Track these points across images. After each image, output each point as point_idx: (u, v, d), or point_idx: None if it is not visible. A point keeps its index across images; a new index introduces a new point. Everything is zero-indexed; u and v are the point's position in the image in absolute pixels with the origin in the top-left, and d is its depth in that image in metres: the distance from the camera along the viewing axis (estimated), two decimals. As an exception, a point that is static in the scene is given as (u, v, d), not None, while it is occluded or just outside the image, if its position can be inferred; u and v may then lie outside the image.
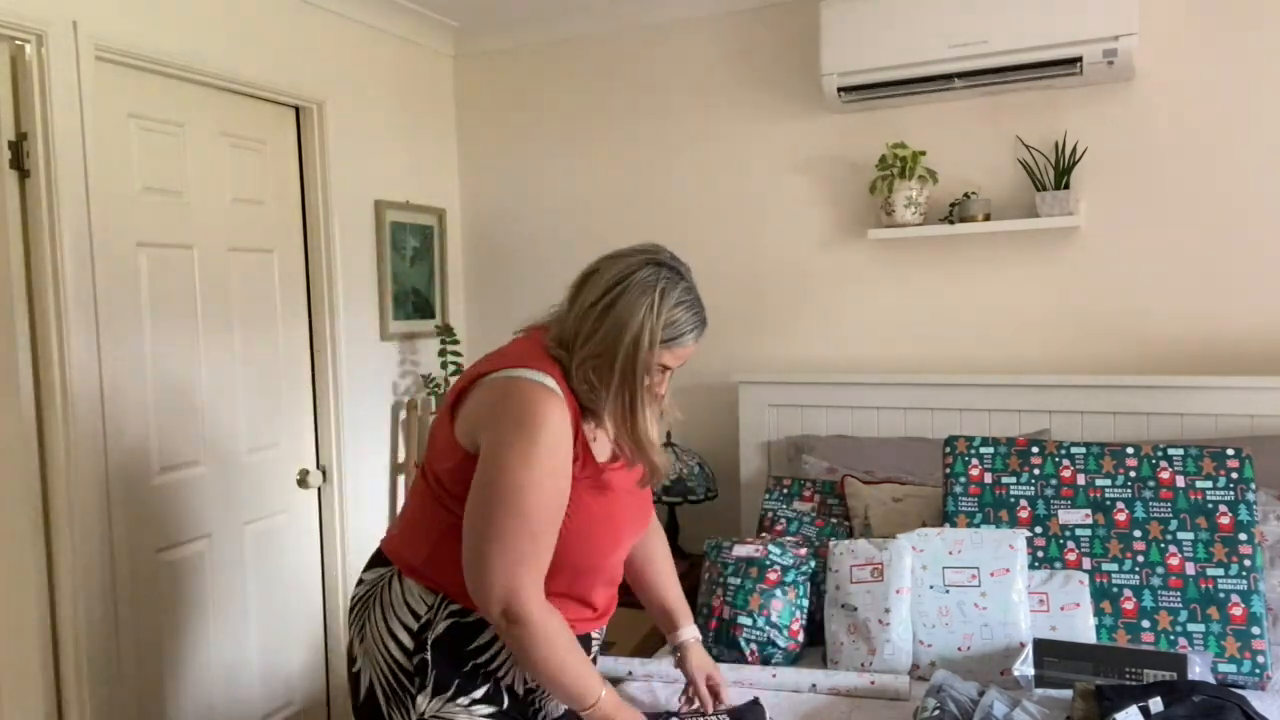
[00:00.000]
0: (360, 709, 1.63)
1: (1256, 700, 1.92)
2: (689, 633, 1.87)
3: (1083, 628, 2.14)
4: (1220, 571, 2.16)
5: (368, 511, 3.33)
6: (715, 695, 1.87)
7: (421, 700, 1.55)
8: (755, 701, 1.88)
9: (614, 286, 1.51)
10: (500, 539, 1.44)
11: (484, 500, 1.45)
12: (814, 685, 2.10)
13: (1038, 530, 2.32)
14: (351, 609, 1.68)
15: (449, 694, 1.55)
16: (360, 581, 1.68)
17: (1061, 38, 2.68)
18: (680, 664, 1.87)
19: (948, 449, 2.49)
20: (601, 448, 1.62)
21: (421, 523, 1.61)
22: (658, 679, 2.18)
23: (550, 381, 1.49)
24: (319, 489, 3.18)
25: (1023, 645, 2.09)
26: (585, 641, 1.67)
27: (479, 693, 1.57)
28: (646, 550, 1.86)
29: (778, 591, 2.35)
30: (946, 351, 3.12)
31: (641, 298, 1.49)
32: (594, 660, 1.72)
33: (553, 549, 1.49)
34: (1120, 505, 2.28)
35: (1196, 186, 2.80)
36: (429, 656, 1.55)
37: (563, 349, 1.54)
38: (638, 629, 2.99)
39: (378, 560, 1.68)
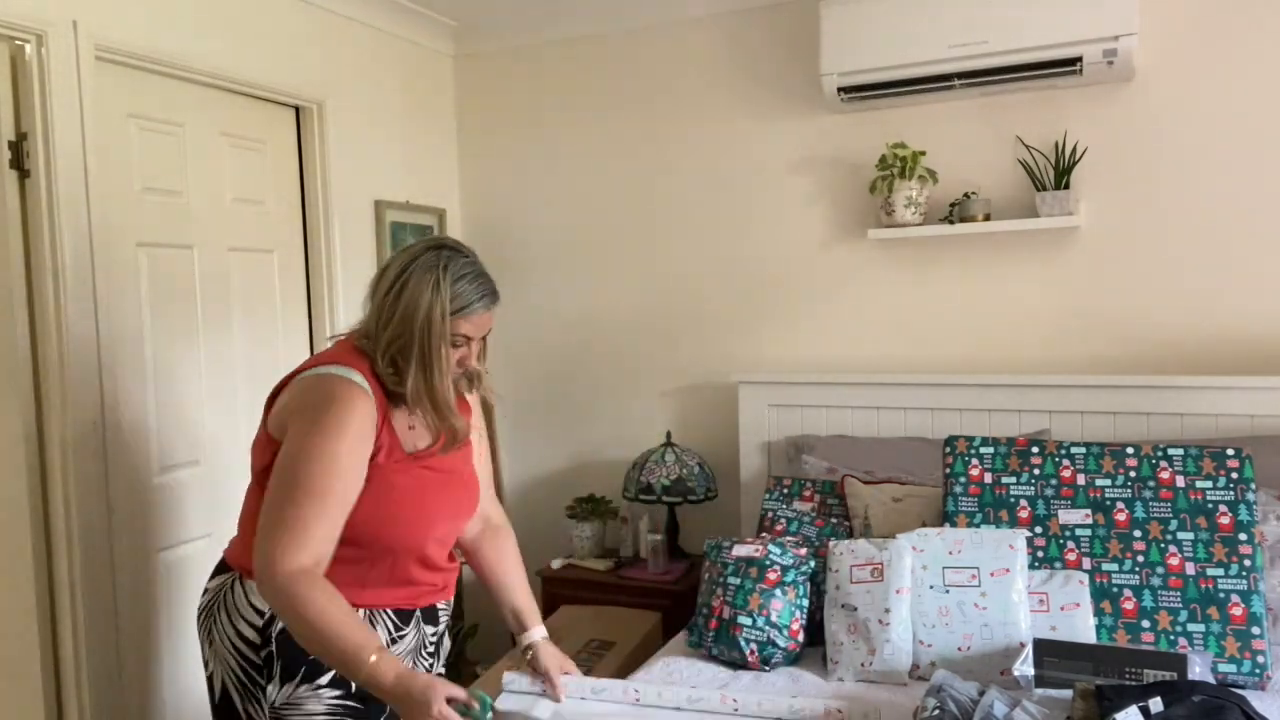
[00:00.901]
0: (217, 710, 1.71)
1: (1256, 700, 1.92)
2: (539, 633, 1.88)
3: (1083, 628, 2.14)
4: (1220, 571, 2.16)
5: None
6: None
7: (271, 690, 1.62)
8: None
9: (401, 273, 1.62)
10: (273, 510, 1.51)
11: (276, 478, 1.54)
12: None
13: (1038, 530, 2.32)
14: (199, 618, 1.74)
15: (297, 680, 1.62)
16: (205, 591, 1.75)
17: (1061, 38, 2.68)
18: (533, 662, 1.86)
19: (948, 449, 2.49)
20: (417, 437, 1.69)
21: (249, 521, 1.66)
22: (658, 680, 2.18)
23: (355, 375, 1.60)
24: (319, 489, 3.18)
25: (1023, 645, 2.09)
26: (431, 612, 1.78)
27: (325, 677, 1.63)
28: (496, 553, 1.92)
29: (778, 591, 2.35)
30: (946, 351, 3.12)
31: (426, 275, 1.61)
32: (454, 634, 1.79)
33: (330, 526, 1.52)
34: (1120, 505, 2.28)
35: (1196, 187, 2.80)
36: (274, 649, 1.62)
37: (367, 339, 1.65)
38: (638, 629, 2.99)
39: (220, 568, 1.75)
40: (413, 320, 1.60)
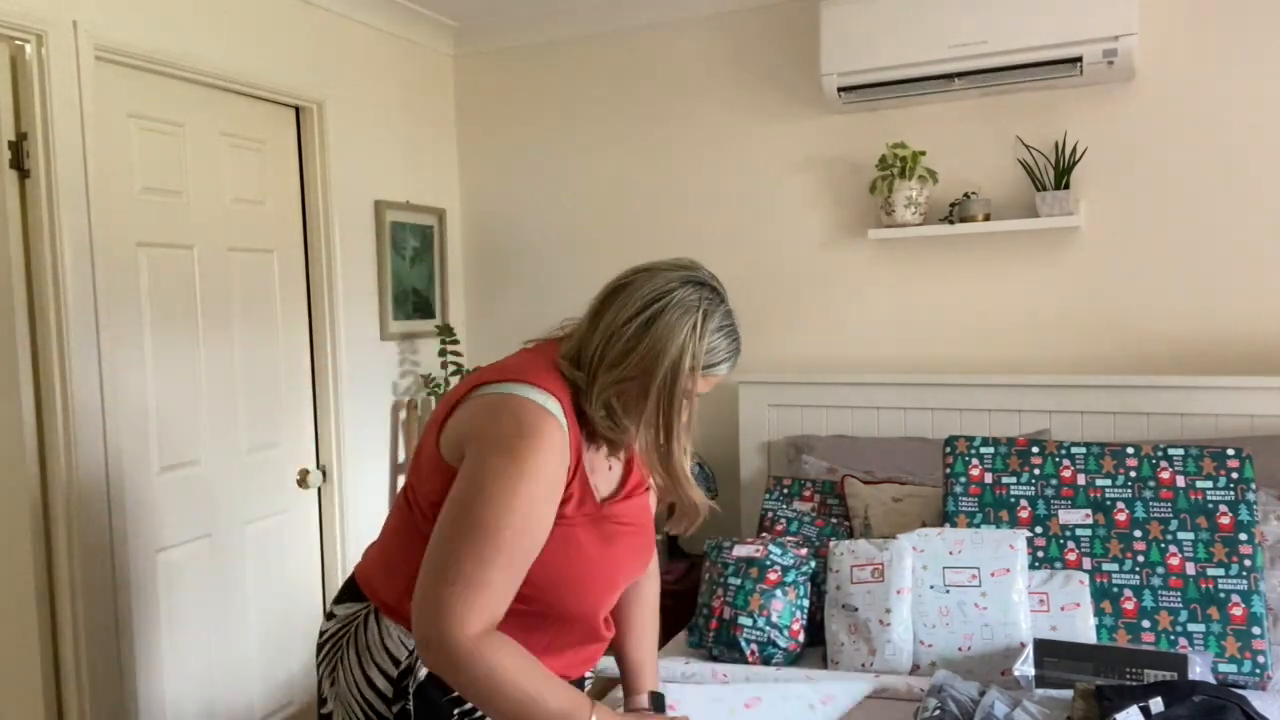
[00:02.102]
0: None
1: (1256, 700, 1.92)
2: (642, 701, 1.65)
3: (1083, 628, 2.14)
4: (1220, 571, 2.16)
5: (367, 512, 3.33)
6: None
7: None
8: None
9: (652, 304, 1.36)
10: (450, 560, 1.28)
11: (452, 521, 1.30)
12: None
13: (1038, 530, 2.32)
14: (321, 645, 1.53)
15: None
16: (331, 615, 1.54)
17: (1061, 38, 2.68)
18: None
19: (948, 449, 2.49)
20: (604, 480, 1.48)
21: (400, 552, 1.44)
22: (663, 680, 2.18)
23: (553, 404, 1.34)
24: (319, 489, 3.18)
25: (1023, 645, 2.09)
26: (580, 685, 1.54)
27: None
28: (635, 594, 1.67)
29: (778, 591, 2.35)
30: (947, 351, 3.12)
31: (684, 318, 1.34)
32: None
33: (510, 586, 1.32)
34: (1120, 505, 2.28)
35: (1196, 187, 2.80)
36: (411, 706, 1.41)
37: (579, 369, 1.39)
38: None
39: (351, 593, 1.52)
40: (655, 365, 1.33)
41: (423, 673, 1.41)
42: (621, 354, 1.35)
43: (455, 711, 1.42)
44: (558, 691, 1.30)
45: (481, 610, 1.27)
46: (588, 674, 1.56)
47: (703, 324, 1.35)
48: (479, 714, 1.43)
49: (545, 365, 1.41)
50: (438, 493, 1.37)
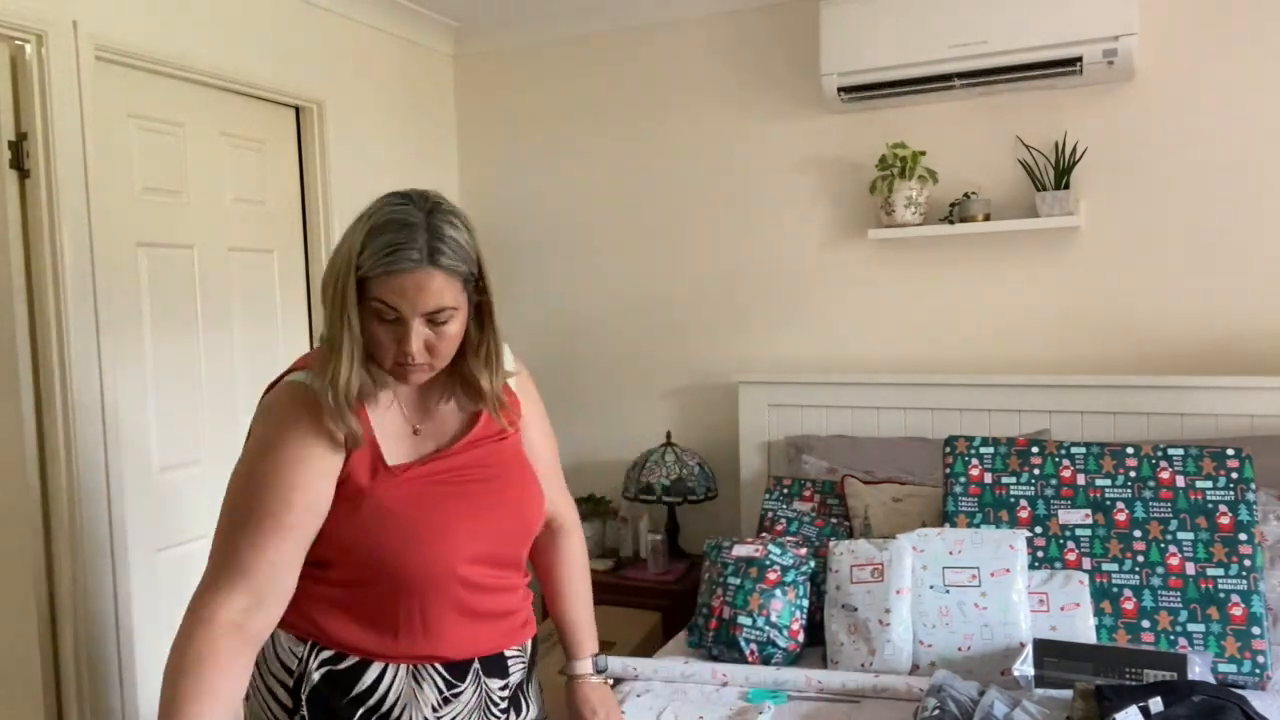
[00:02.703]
0: None
1: (1256, 700, 1.92)
2: (585, 665, 1.61)
3: (1083, 628, 2.14)
4: (1220, 571, 2.16)
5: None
6: None
7: None
8: None
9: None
10: (215, 543, 1.30)
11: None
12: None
13: (1038, 530, 2.32)
14: None
15: None
16: None
17: (1061, 38, 2.68)
18: (569, 700, 1.61)
19: (948, 449, 2.49)
20: (427, 438, 1.41)
21: None
22: (658, 679, 2.18)
23: (315, 380, 1.32)
24: (319, 489, 3.18)
25: (1023, 645, 2.09)
26: (496, 662, 1.45)
27: None
28: (556, 555, 1.63)
29: (778, 591, 2.35)
30: (946, 351, 3.13)
31: (357, 222, 1.33)
32: (525, 681, 1.52)
33: (284, 561, 1.28)
34: (1120, 505, 2.28)
35: (1196, 187, 2.80)
36: (306, 714, 1.37)
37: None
38: (638, 629, 2.99)
39: None
40: (326, 286, 1.31)
41: (315, 677, 1.37)
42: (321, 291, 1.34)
43: (358, 712, 1.37)
44: (187, 710, 1.21)
45: (228, 587, 1.26)
46: (509, 650, 1.47)
47: (369, 216, 1.32)
48: (382, 711, 1.38)
49: (319, 351, 1.36)
50: None
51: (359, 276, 1.28)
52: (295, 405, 1.32)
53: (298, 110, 3.09)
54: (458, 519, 1.38)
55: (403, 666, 1.38)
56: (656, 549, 3.24)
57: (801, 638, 2.34)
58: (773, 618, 2.32)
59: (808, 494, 2.83)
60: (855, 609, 2.24)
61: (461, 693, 1.41)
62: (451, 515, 1.38)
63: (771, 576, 2.37)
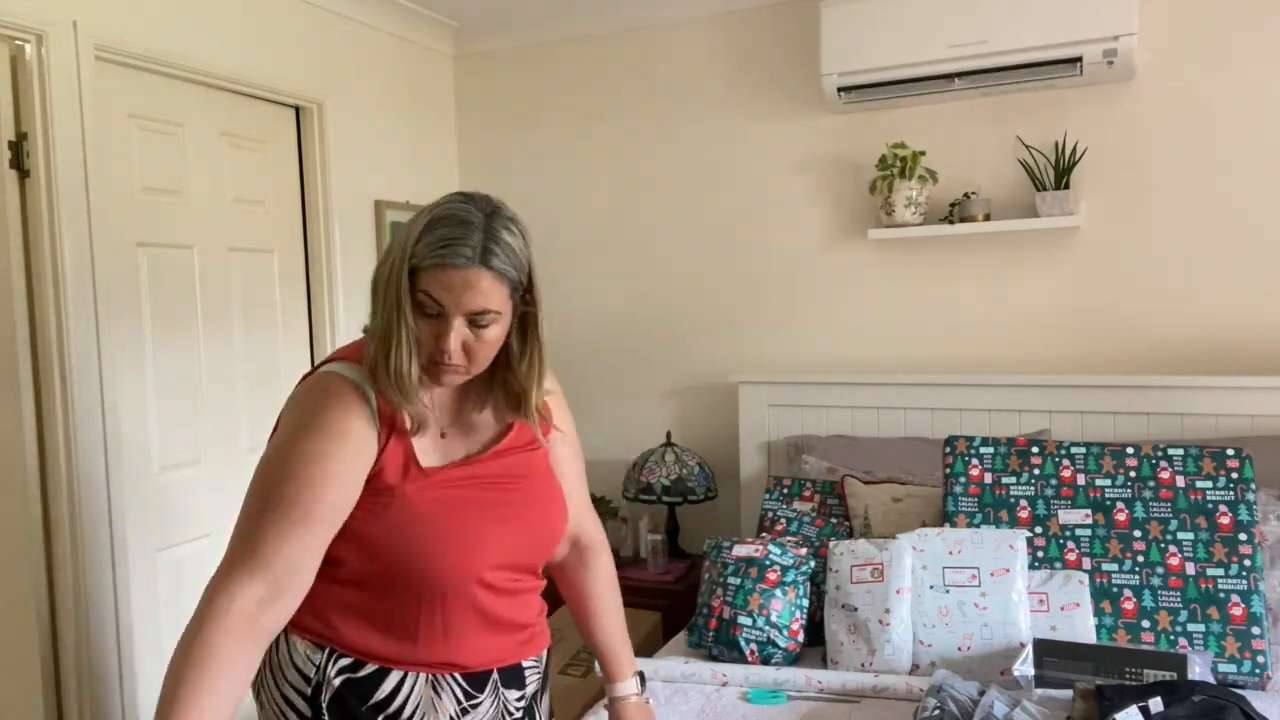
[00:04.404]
0: None
1: (1256, 700, 1.92)
2: (629, 687, 1.60)
3: (1083, 628, 2.14)
4: (1220, 571, 2.16)
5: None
6: None
7: None
8: None
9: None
10: (240, 525, 1.27)
11: (248, 489, 1.31)
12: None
13: (1038, 530, 2.32)
14: None
15: None
16: None
17: (1061, 38, 2.68)
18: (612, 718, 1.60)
19: (948, 449, 2.49)
20: (457, 444, 1.40)
21: None
22: (658, 679, 2.18)
23: (352, 371, 1.32)
24: (319, 489, 3.18)
25: (1023, 645, 2.09)
26: (514, 673, 1.44)
27: None
28: (586, 575, 1.62)
29: (778, 591, 2.35)
30: (946, 351, 3.12)
31: (409, 223, 1.30)
32: (541, 689, 1.51)
33: (307, 553, 1.26)
34: (1120, 505, 2.28)
35: (1196, 187, 2.80)
36: None
37: (369, 333, 1.34)
38: (638, 629, 2.99)
39: None
40: (380, 276, 1.30)
41: (335, 685, 1.35)
42: (371, 287, 1.32)
43: (379, 718, 1.35)
44: (194, 695, 1.20)
45: (247, 574, 1.23)
46: (526, 660, 1.47)
47: (424, 215, 1.29)
48: (403, 718, 1.37)
49: (357, 343, 1.37)
50: None
51: (410, 266, 1.26)
52: (331, 396, 1.30)
53: (298, 110, 3.09)
54: (486, 526, 1.37)
55: (421, 675, 1.37)
56: (656, 549, 3.24)
57: (801, 638, 2.34)
58: (773, 618, 2.32)
59: (808, 494, 2.83)
60: (855, 609, 2.24)
61: (480, 704, 1.40)
62: (480, 522, 1.37)
63: (771, 576, 2.37)
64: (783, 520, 2.78)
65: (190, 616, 1.24)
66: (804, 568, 2.40)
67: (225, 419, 2.83)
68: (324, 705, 1.34)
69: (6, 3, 2.18)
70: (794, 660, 2.34)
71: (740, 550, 2.45)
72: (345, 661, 1.36)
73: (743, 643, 2.31)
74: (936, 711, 1.80)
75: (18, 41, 2.25)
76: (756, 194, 3.34)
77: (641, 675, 1.64)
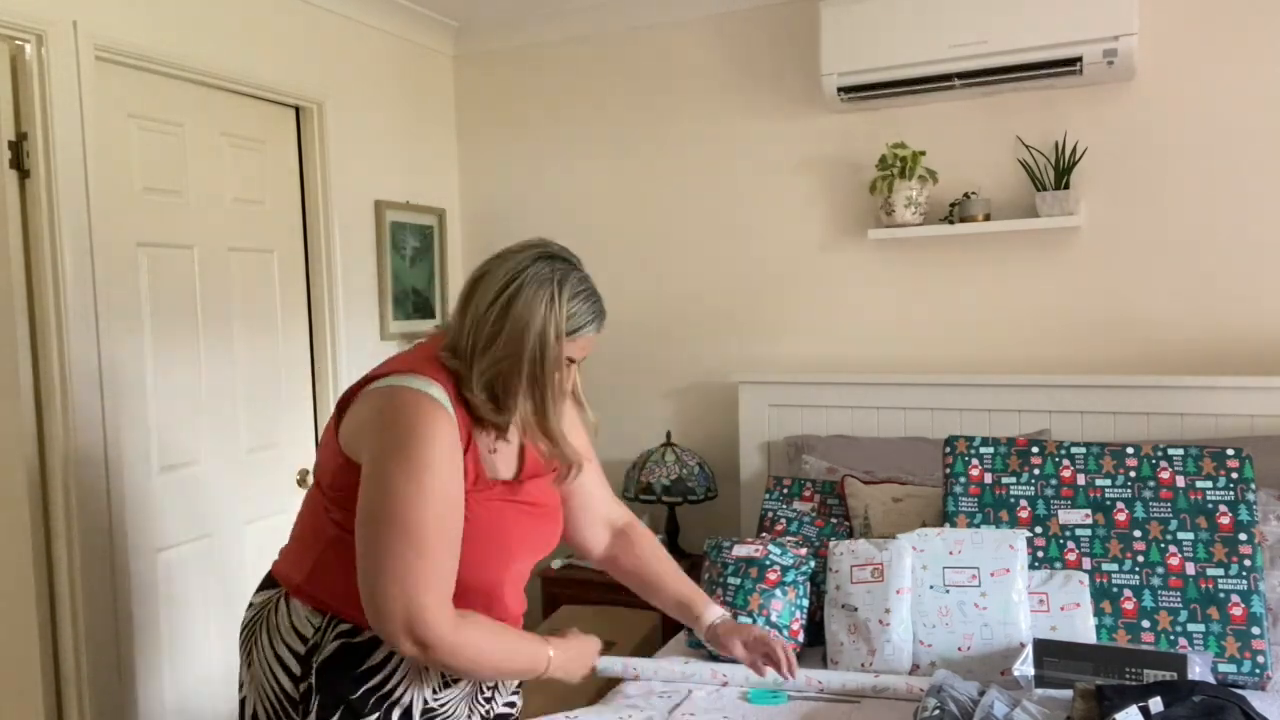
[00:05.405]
0: None
1: (1256, 700, 1.92)
2: (716, 612, 1.77)
3: (1083, 628, 2.14)
4: (1220, 571, 2.16)
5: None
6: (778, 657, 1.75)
7: None
8: None
9: (508, 286, 1.43)
10: (392, 565, 1.34)
11: (372, 524, 1.36)
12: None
13: (1038, 530, 2.32)
14: (241, 634, 1.58)
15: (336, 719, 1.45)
16: (250, 605, 1.59)
17: (1061, 38, 2.68)
18: (726, 643, 1.74)
19: (948, 449, 2.49)
20: (504, 462, 1.55)
21: (306, 537, 1.53)
22: (658, 679, 2.18)
23: (437, 391, 1.40)
24: (319, 489, 3.18)
25: (1023, 645, 2.09)
26: None
27: None
28: (639, 549, 1.79)
29: (778, 591, 2.35)
30: (946, 351, 3.12)
31: (540, 292, 1.43)
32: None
33: (454, 567, 1.40)
34: (1120, 505, 2.28)
35: (1196, 187, 2.80)
36: (314, 682, 1.45)
37: (457, 358, 1.45)
38: (638, 629, 2.99)
39: (266, 582, 1.59)
40: (522, 341, 1.41)
41: (330, 648, 1.46)
42: (490, 338, 1.43)
43: (360, 689, 1.46)
44: (521, 641, 1.48)
45: (441, 599, 1.36)
46: None
47: (559, 293, 1.44)
48: (386, 688, 1.48)
49: (428, 357, 1.47)
50: (344, 484, 1.44)
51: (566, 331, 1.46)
52: (439, 419, 1.39)
53: (298, 110, 3.09)
54: (522, 540, 1.54)
55: None
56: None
57: (801, 638, 2.34)
58: (773, 618, 2.32)
59: (808, 494, 2.83)
60: (855, 609, 2.24)
61: (460, 679, 1.54)
62: (519, 535, 1.53)
63: (771, 576, 2.37)
64: (783, 520, 2.78)
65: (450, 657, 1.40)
66: (804, 568, 2.40)
67: (225, 419, 2.83)
68: (314, 665, 1.45)
69: (6, 3, 2.18)
70: (794, 660, 2.33)
71: (740, 550, 2.45)
72: (344, 627, 1.46)
73: (743, 643, 2.30)
74: (936, 711, 1.80)
75: (18, 41, 2.25)
76: (757, 194, 3.34)
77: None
